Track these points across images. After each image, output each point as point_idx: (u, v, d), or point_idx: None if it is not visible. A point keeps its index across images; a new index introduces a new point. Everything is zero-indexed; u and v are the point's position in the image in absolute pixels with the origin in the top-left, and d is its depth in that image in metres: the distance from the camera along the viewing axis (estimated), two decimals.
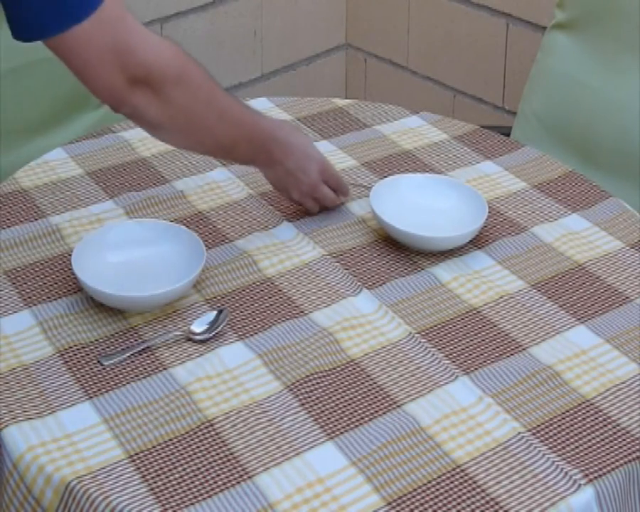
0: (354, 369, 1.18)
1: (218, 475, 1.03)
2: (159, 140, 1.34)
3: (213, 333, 1.21)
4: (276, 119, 1.50)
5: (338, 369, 1.18)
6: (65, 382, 1.14)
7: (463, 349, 1.21)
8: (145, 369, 1.17)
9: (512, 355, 1.20)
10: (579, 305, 1.29)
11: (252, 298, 1.29)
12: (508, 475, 1.03)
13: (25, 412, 1.10)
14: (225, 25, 2.57)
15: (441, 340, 1.23)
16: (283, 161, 1.36)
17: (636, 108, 1.77)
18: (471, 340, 1.23)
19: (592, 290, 1.31)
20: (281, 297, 1.29)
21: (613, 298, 1.30)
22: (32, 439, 1.06)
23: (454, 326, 1.25)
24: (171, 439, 1.07)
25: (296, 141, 1.38)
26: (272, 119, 1.42)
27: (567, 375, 1.17)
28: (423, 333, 1.24)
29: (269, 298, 1.29)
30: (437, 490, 1.02)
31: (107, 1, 1.13)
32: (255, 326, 1.23)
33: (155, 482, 1.02)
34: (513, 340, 1.22)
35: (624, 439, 1.08)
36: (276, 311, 1.26)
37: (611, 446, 1.07)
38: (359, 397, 1.14)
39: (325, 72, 2.86)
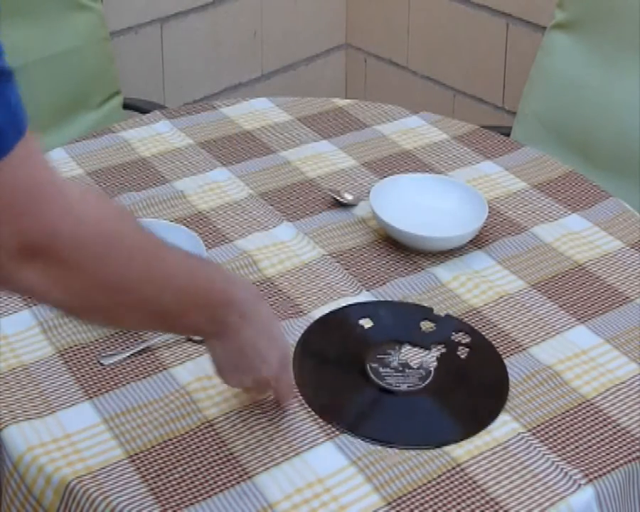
0: None
1: (218, 475, 1.03)
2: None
3: None
4: (238, 277, 1.13)
5: None
6: (65, 382, 1.14)
7: None
8: (145, 369, 1.16)
9: (512, 355, 1.20)
10: (579, 305, 1.28)
11: None
12: (507, 475, 1.03)
13: (25, 412, 1.10)
14: (225, 25, 2.57)
15: None
16: (237, 336, 1.02)
17: (636, 108, 1.77)
18: None
19: (592, 290, 1.31)
20: (281, 297, 1.29)
21: (613, 298, 1.30)
22: (32, 439, 1.06)
23: None
24: (170, 439, 1.07)
25: (261, 315, 1.04)
26: (231, 278, 1.08)
27: (567, 375, 1.17)
28: None
29: (269, 298, 1.28)
30: (437, 490, 1.02)
31: (15, 152, 0.77)
32: None
33: (155, 482, 1.02)
34: (513, 340, 1.22)
35: (623, 439, 1.08)
36: (276, 311, 1.26)
37: (611, 446, 1.07)
38: None
39: (325, 72, 2.86)
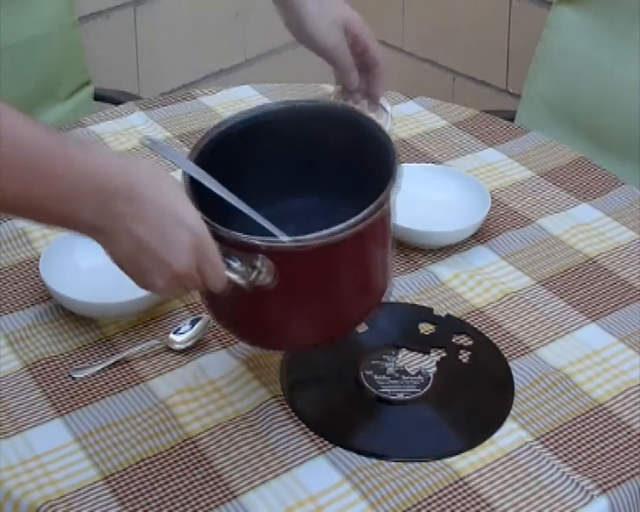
0: None
1: (201, 495, 1.03)
2: None
3: (194, 342, 1.22)
4: (122, 155, 1.04)
5: None
6: (34, 399, 1.14)
7: None
8: (120, 382, 1.17)
9: (518, 357, 1.20)
10: (590, 302, 1.29)
11: None
12: (514, 488, 1.04)
13: None
14: (204, 6, 2.57)
15: None
16: (132, 226, 0.91)
17: None
18: None
19: (604, 285, 1.32)
20: None
21: (626, 293, 1.30)
22: None
23: None
24: (149, 458, 1.07)
25: (160, 192, 0.92)
26: (114, 156, 0.95)
27: (578, 378, 1.17)
28: None
29: None
30: (439, 505, 1.02)
31: None
32: None
33: (133, 505, 1.02)
34: (519, 342, 1.23)
35: (639, 446, 1.08)
36: None
37: (626, 454, 1.07)
38: None
39: (313, 56, 2.86)
